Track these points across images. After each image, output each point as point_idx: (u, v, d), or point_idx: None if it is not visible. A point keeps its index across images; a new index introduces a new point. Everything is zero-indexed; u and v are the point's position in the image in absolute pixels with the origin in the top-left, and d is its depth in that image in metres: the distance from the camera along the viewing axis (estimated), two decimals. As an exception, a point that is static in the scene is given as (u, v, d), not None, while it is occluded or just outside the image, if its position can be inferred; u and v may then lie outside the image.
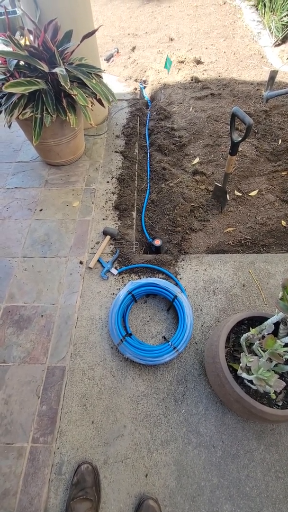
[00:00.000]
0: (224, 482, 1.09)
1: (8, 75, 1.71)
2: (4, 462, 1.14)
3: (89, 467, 1.10)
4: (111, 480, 1.11)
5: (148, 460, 1.14)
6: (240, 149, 2.28)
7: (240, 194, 2.06)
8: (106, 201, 2.01)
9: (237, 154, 2.24)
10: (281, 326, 1.04)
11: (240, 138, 1.46)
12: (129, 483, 1.10)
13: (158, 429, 1.20)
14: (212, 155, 2.30)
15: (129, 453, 1.15)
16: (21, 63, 1.71)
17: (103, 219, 1.91)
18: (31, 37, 1.83)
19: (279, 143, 2.30)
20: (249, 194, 2.05)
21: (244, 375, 1.00)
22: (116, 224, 1.89)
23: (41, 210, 1.98)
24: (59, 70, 1.57)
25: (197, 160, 2.27)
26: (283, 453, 1.14)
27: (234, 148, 1.54)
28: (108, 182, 2.13)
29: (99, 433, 1.20)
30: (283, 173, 2.14)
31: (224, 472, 1.11)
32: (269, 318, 1.05)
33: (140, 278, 1.63)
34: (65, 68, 1.67)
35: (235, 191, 2.08)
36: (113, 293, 1.58)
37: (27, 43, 1.80)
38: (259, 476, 1.10)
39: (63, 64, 1.73)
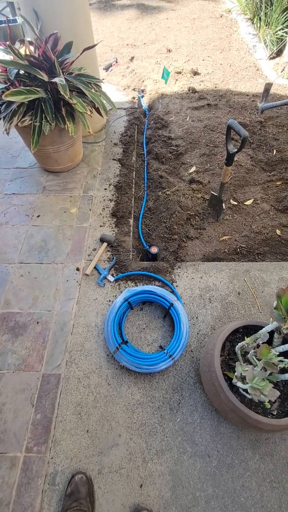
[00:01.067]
0: (219, 493, 1.09)
1: (8, 83, 1.74)
2: (-4, 472, 1.13)
3: (83, 478, 1.09)
4: (105, 491, 1.09)
5: (143, 470, 1.13)
6: (235, 159, 2.32)
7: (236, 203, 2.09)
8: (104, 208, 2.03)
9: (233, 164, 2.28)
10: (276, 335, 1.05)
11: (236, 150, 1.49)
12: (123, 493, 1.09)
13: (153, 438, 1.19)
14: (209, 164, 2.34)
15: (124, 463, 1.15)
16: (21, 72, 1.74)
17: (100, 226, 1.92)
18: (32, 47, 1.87)
19: (274, 153, 2.36)
20: (245, 203, 2.09)
21: (239, 384, 1.01)
22: (113, 231, 1.90)
23: (38, 216, 1.99)
24: (59, 80, 1.60)
25: (193, 169, 2.31)
26: (278, 462, 1.14)
27: (229, 159, 1.57)
28: (105, 189, 2.15)
29: (93, 442, 1.19)
30: (278, 183, 2.19)
31: (219, 482, 1.11)
32: (264, 327, 1.07)
33: (137, 285, 1.64)
34: (65, 78, 1.70)
35: (231, 200, 2.11)
36: (110, 300, 1.59)
37: (27, 52, 1.84)
38: (254, 486, 1.10)
39: (63, 74, 1.76)
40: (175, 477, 1.12)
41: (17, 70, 1.68)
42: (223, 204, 1.90)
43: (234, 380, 1.04)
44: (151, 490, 1.10)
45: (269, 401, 1.05)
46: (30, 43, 1.87)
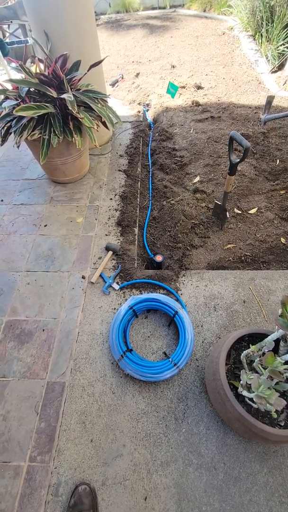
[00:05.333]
0: (226, 507, 1.06)
1: (19, 100, 1.82)
2: (0, 481, 1.12)
3: (86, 489, 1.07)
4: (109, 503, 1.07)
5: (148, 482, 1.11)
6: (239, 168, 2.36)
7: (240, 212, 2.11)
8: (109, 218, 2.06)
9: (237, 174, 2.32)
10: (282, 343, 1.04)
11: (238, 160, 1.52)
12: (127, 506, 1.06)
13: (158, 449, 1.17)
14: (212, 174, 2.37)
15: (128, 474, 1.13)
16: (32, 89, 1.82)
17: (106, 235, 1.95)
18: (42, 66, 1.96)
19: (277, 163, 2.38)
20: (249, 211, 2.10)
21: (244, 393, 1.00)
22: (119, 240, 1.93)
23: (45, 225, 2.03)
24: (67, 96, 1.67)
25: (197, 179, 2.35)
26: (287, 476, 1.11)
27: (232, 169, 1.60)
28: (111, 199, 2.20)
29: (97, 453, 1.17)
30: (282, 192, 2.20)
31: (226, 496, 1.08)
32: (269, 335, 1.06)
33: (141, 293, 1.65)
34: (73, 94, 1.77)
35: (235, 209, 2.13)
36: (115, 308, 1.60)
37: (37, 70, 1.93)
38: (262, 501, 1.06)
39: (71, 90, 1.84)
40: (181, 490, 1.09)
41: (28, 87, 1.77)
42: (227, 213, 1.92)
43: (240, 389, 1.03)
44: (156, 503, 1.07)
45: (276, 411, 1.03)
46: (40, 60, 1.97)
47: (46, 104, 1.74)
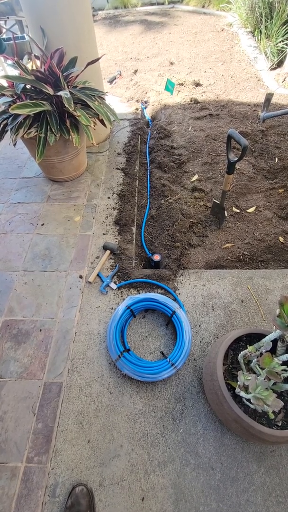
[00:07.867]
0: (223, 507, 1.06)
1: (15, 97, 1.80)
2: (-3, 483, 1.11)
3: (84, 490, 1.07)
4: (106, 504, 1.07)
5: (145, 482, 1.11)
6: (237, 167, 2.34)
7: (238, 211, 2.10)
8: (107, 217, 2.05)
9: (235, 172, 2.30)
10: (279, 344, 1.03)
11: (236, 158, 1.51)
12: (125, 507, 1.06)
13: (156, 449, 1.17)
14: (211, 173, 2.36)
15: (126, 474, 1.12)
16: (28, 86, 1.80)
17: (104, 234, 1.94)
18: (38, 62, 1.94)
19: (276, 161, 2.37)
20: (247, 210, 2.09)
21: (242, 393, 0.99)
22: (116, 239, 1.91)
23: (42, 224, 2.02)
24: (64, 93, 1.65)
25: (196, 177, 2.33)
26: (284, 476, 1.11)
27: (231, 168, 1.59)
28: (109, 198, 2.18)
29: (95, 453, 1.17)
30: (280, 191, 2.19)
31: (223, 496, 1.08)
32: (267, 335, 1.05)
33: (139, 293, 1.64)
34: (69, 91, 1.75)
35: (233, 208, 2.12)
36: (112, 308, 1.59)
37: (34, 67, 1.90)
38: (259, 501, 1.06)
39: (68, 88, 1.82)
40: (178, 490, 1.09)
41: (23, 84, 1.74)
42: (225, 212, 1.91)
43: (237, 390, 1.03)
44: (153, 503, 1.07)
45: (273, 412, 1.03)
46: (37, 57, 1.94)
47: (43, 102, 1.72)
